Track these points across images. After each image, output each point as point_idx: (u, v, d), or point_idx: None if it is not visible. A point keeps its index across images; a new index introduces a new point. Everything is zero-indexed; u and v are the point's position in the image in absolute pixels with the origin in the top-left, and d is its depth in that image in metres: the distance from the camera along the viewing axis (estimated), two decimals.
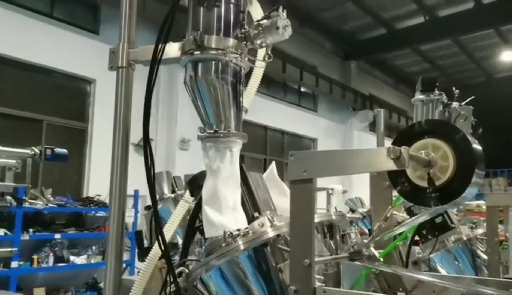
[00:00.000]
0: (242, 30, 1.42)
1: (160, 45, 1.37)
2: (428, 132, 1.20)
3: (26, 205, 7.54)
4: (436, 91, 2.86)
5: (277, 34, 1.37)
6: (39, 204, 7.84)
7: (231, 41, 1.40)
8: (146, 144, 1.44)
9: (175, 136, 10.09)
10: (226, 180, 1.38)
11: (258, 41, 1.43)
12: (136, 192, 8.39)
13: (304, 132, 14.40)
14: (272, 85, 13.45)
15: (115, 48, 1.55)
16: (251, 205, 1.45)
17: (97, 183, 8.78)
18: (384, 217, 1.40)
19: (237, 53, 1.39)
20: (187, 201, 1.74)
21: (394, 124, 16.88)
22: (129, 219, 8.72)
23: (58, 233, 7.90)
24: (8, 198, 2.73)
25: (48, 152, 2.76)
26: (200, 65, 1.41)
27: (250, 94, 1.77)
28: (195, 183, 1.58)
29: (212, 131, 1.40)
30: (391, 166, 0.99)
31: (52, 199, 8.09)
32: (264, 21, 1.40)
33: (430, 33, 13.75)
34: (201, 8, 1.41)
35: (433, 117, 2.65)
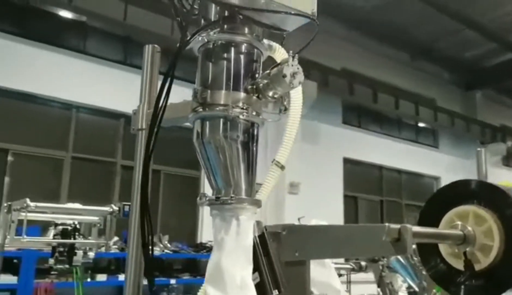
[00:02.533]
0: (253, 81, 1.27)
1: (161, 103, 1.27)
2: (471, 196, 0.90)
3: None
4: None
5: (285, 83, 1.20)
6: (157, 250, 8.28)
7: (238, 95, 1.25)
8: (144, 212, 1.27)
9: (284, 180, 10.03)
10: (232, 253, 1.20)
11: (270, 93, 1.27)
12: None
13: (424, 171, 13.35)
14: (385, 123, 12.85)
15: (137, 110, 1.50)
16: (272, 280, 1.24)
17: (209, 228, 9.04)
18: None
19: (242, 108, 1.24)
20: None
21: None
22: None
23: (174, 278, 8.20)
24: (91, 254, 2.84)
25: (126, 208, 2.83)
26: (204, 123, 1.28)
27: (286, 149, 1.58)
28: None
29: (213, 197, 1.25)
30: (389, 250, 0.73)
31: (169, 245, 8.49)
32: (273, 70, 1.24)
33: None
34: (209, 62, 1.30)
35: None
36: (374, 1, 10.76)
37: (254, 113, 1.27)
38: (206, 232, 9.23)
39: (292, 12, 1.25)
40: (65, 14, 8.57)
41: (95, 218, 2.84)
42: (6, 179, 7.66)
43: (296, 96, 1.53)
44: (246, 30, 1.30)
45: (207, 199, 1.26)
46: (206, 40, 1.29)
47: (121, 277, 7.73)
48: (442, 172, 13.61)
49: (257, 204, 1.29)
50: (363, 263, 4.43)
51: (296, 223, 5.18)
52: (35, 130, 8.04)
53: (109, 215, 2.88)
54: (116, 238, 8.07)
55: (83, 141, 8.41)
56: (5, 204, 3.28)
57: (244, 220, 1.24)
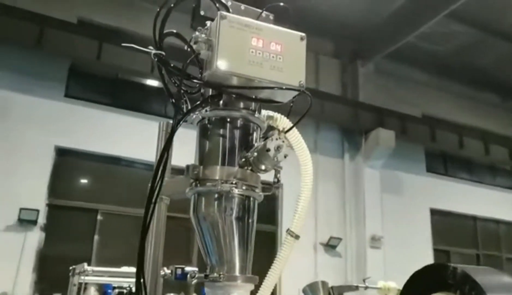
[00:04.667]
0: (245, 155, 1.27)
1: (156, 181, 1.30)
2: (448, 284, 0.80)
3: None
4: None
5: (269, 158, 1.18)
6: None
7: (230, 170, 1.25)
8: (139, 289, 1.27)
9: (365, 234, 9.62)
10: None
11: (262, 166, 1.25)
12: None
13: None
14: (475, 169, 11.95)
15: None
16: None
17: (287, 284, 8.86)
18: None
19: (232, 183, 1.23)
20: None
21: None
22: None
23: None
24: None
25: (179, 271, 2.88)
26: (199, 198, 1.29)
27: (300, 218, 1.53)
28: None
29: (202, 275, 1.23)
30: None
31: None
32: (260, 144, 1.23)
33: None
34: (203, 137, 1.33)
35: None
36: (454, 45, 10.38)
37: (244, 187, 1.25)
38: (285, 289, 9.03)
39: (280, 87, 1.24)
40: (149, 82, 9.32)
41: None
42: (96, 237, 8.22)
43: (306, 164, 1.50)
44: (241, 104, 1.32)
45: (197, 276, 1.25)
46: (200, 117, 1.33)
47: None
48: None
49: (251, 280, 1.25)
50: None
51: (378, 279, 4.84)
52: (120, 190, 8.61)
53: (162, 277, 2.95)
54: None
55: None
56: (70, 268, 3.51)
57: None
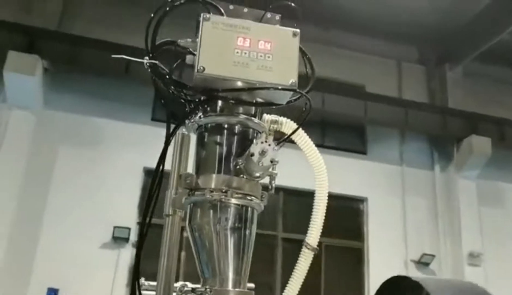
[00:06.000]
0: (237, 163, 1.20)
1: (153, 191, 1.27)
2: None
3: None
4: None
5: (253, 163, 1.10)
6: None
7: (223, 178, 1.19)
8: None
9: (462, 251, 8.86)
10: None
11: (255, 173, 1.17)
12: None
13: None
14: None
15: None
16: None
17: None
18: None
19: (222, 192, 1.17)
20: None
21: None
22: None
23: None
24: None
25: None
26: (194, 208, 1.24)
27: (316, 230, 1.42)
28: None
29: (190, 288, 1.16)
30: None
31: None
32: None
33: None
34: (198, 145, 1.29)
35: None
36: None
37: (237, 196, 1.18)
38: None
39: (263, 87, 1.16)
40: None
41: None
42: (183, 253, 8.50)
43: (319, 166, 1.40)
44: (237, 110, 1.26)
45: (185, 290, 1.19)
46: (196, 125, 1.29)
47: None
48: None
49: None
50: None
51: None
52: None
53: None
54: None
55: None
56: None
57: None
